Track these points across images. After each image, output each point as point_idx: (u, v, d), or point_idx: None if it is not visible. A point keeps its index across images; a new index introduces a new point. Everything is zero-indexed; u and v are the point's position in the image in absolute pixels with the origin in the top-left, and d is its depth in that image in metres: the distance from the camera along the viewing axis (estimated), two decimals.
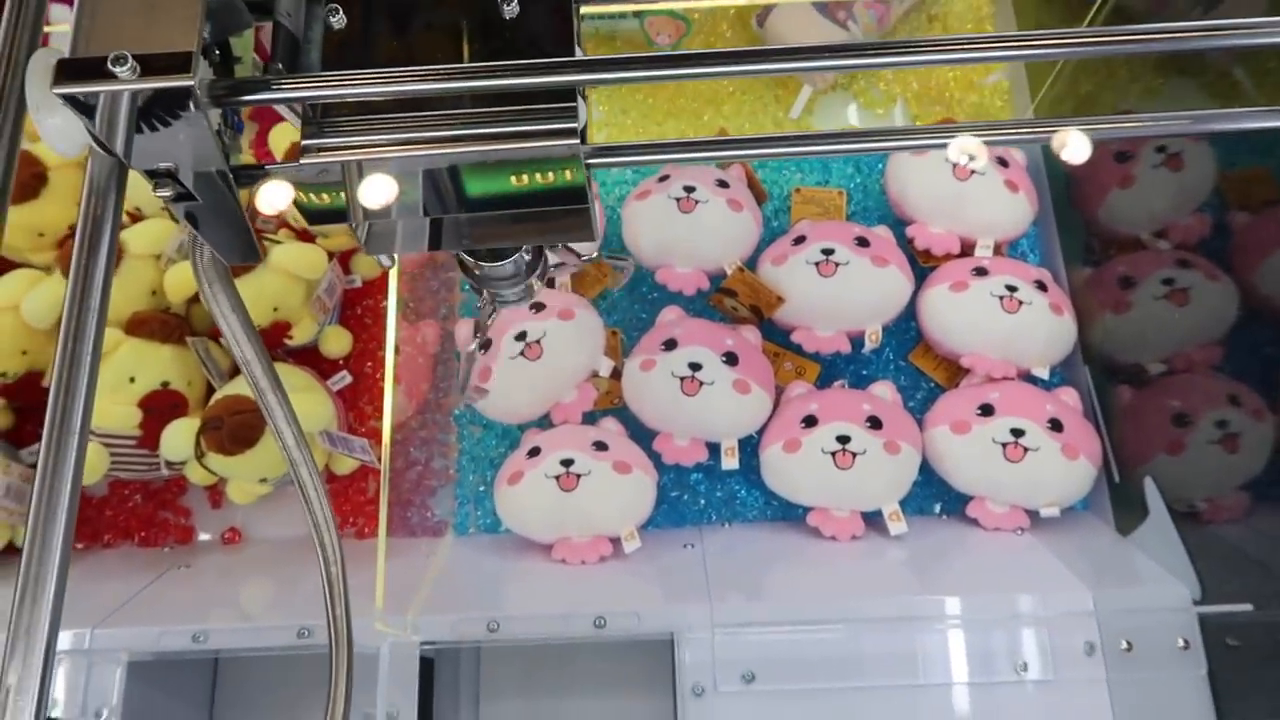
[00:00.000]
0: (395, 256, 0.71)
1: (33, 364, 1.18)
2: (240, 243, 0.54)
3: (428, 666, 1.02)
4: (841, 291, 1.14)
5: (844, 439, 1.07)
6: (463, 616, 0.97)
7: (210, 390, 1.17)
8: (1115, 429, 1.12)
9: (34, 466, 1.16)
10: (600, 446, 1.10)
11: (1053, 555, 1.03)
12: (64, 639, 0.97)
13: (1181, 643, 0.90)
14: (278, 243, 1.16)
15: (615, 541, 1.10)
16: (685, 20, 1.41)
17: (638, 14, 1.38)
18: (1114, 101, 1.25)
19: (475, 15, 0.50)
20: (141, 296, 1.16)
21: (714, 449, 1.15)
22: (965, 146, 0.53)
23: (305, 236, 1.23)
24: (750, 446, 1.16)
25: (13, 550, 1.19)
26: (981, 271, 1.16)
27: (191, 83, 0.38)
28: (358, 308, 1.29)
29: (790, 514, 1.16)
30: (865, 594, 0.97)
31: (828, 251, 1.15)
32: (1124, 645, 0.91)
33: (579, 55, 0.51)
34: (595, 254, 0.84)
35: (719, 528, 1.16)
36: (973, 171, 1.18)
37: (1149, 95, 1.22)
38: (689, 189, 1.18)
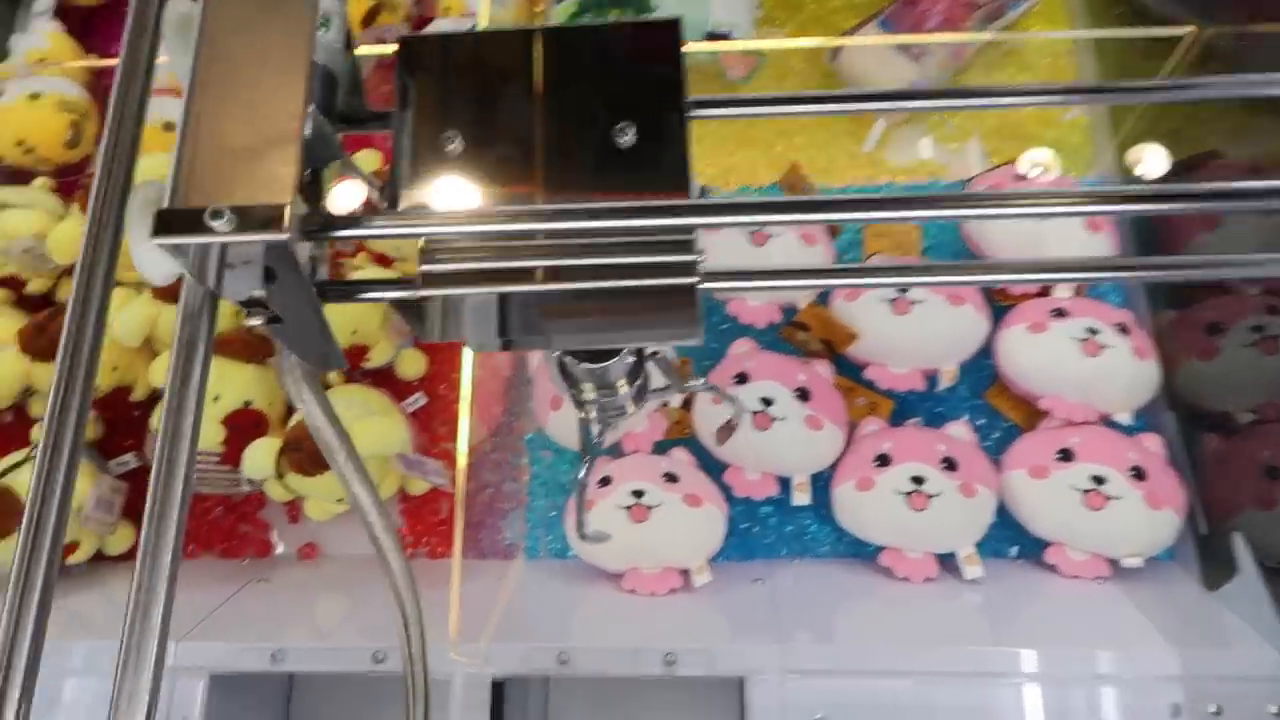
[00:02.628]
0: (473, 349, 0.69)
1: (122, 379, 1.23)
2: (325, 352, 0.55)
3: (497, 690, 1.03)
4: (916, 329, 1.13)
5: (919, 479, 1.06)
6: (534, 646, 0.97)
7: (291, 410, 1.19)
8: (1202, 479, 1.10)
9: (121, 478, 1.20)
10: (671, 478, 1.11)
11: (1135, 609, 1.00)
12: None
13: (1274, 710, 0.88)
14: (358, 269, 1.18)
15: (684, 573, 1.10)
16: (759, 54, 1.42)
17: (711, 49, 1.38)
18: (1199, 136, 1.22)
19: (590, 146, 0.50)
20: (226, 314, 1.20)
21: (785, 483, 1.15)
22: (1036, 158, 0.52)
23: (383, 261, 1.26)
24: (822, 482, 1.15)
25: (101, 558, 1.23)
26: (1061, 313, 1.14)
27: (286, 237, 0.39)
28: None
29: (862, 551, 1.15)
30: (938, 643, 0.95)
31: (903, 289, 1.14)
32: (1212, 709, 0.88)
33: (695, 188, 0.50)
34: (702, 387, 0.81)
35: (788, 562, 1.16)
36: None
37: (1237, 134, 1.19)
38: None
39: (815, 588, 1.10)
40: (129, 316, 1.17)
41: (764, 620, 1.00)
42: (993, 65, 1.42)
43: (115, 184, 0.53)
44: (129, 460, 1.25)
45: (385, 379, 1.27)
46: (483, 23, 1.23)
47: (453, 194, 0.49)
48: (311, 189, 0.47)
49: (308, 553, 1.24)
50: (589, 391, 0.65)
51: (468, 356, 1.15)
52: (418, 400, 1.26)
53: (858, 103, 0.56)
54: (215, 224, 0.39)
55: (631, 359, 0.62)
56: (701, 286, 0.48)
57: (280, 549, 1.27)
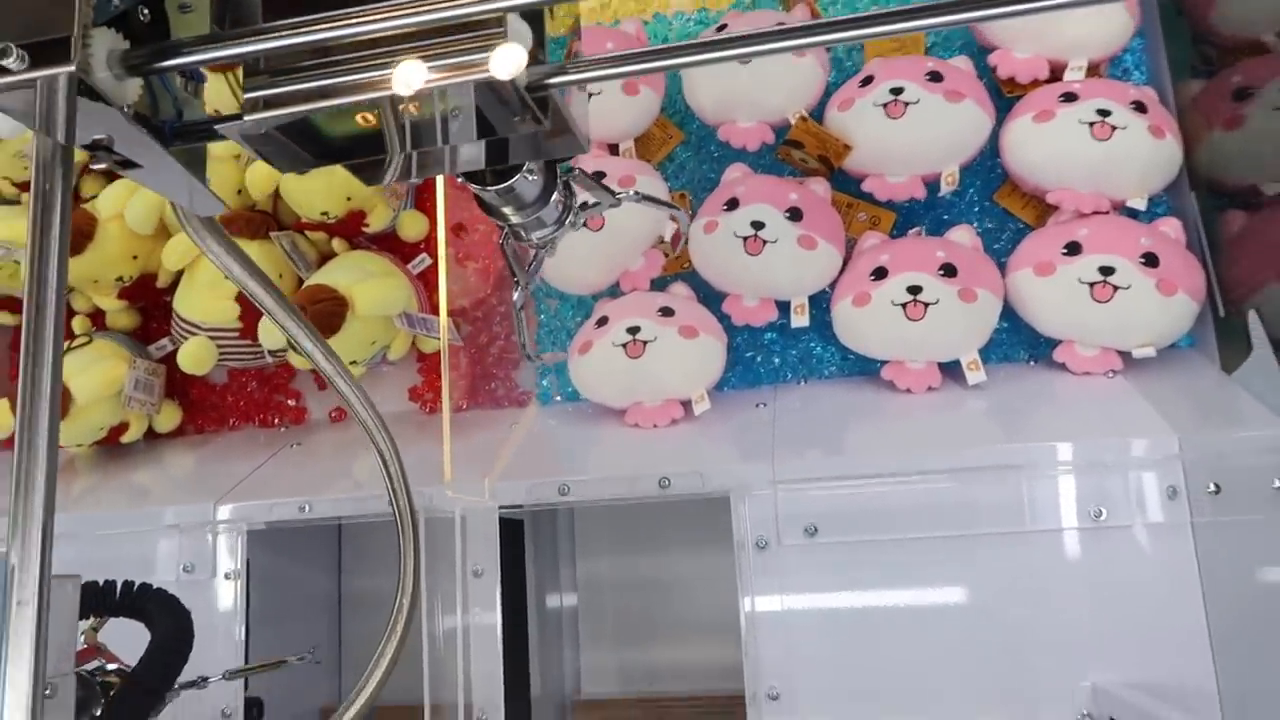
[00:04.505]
0: (386, 184, 0.69)
1: (144, 266, 1.28)
2: (196, 196, 0.54)
3: (515, 528, 1.09)
4: (911, 133, 1.08)
5: (915, 289, 1.03)
6: (536, 482, 1.01)
7: (300, 281, 1.23)
8: (1223, 259, 1.03)
9: (161, 360, 1.26)
10: (666, 312, 1.10)
11: (1142, 398, 0.97)
12: (190, 513, 1.08)
13: (1277, 484, 0.85)
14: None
15: (686, 404, 1.11)
16: None
17: None
18: None
19: None
20: (228, 196, 1.22)
21: (784, 307, 1.13)
22: None
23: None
24: (824, 302, 1.13)
25: (154, 436, 1.32)
26: (1070, 97, 1.06)
27: (71, 68, 0.39)
28: (433, 192, 1.32)
29: (869, 368, 1.13)
30: (929, 447, 0.95)
31: (896, 91, 1.08)
32: (1211, 488, 0.86)
33: None
34: (633, 199, 0.78)
35: (794, 386, 1.16)
36: None
37: None
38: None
39: (817, 408, 1.10)
40: (137, 204, 1.21)
41: (761, 441, 1.01)
42: None
43: None
44: (165, 344, 1.32)
45: (389, 242, 1.29)
46: None
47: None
48: (154, 26, 0.47)
49: (337, 416, 1.30)
50: (511, 215, 0.65)
51: (441, 213, 1.16)
52: (422, 261, 1.28)
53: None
54: (6, 62, 0.39)
55: (536, 177, 0.61)
56: (546, 83, 0.47)
57: (314, 415, 1.33)
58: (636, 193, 0.76)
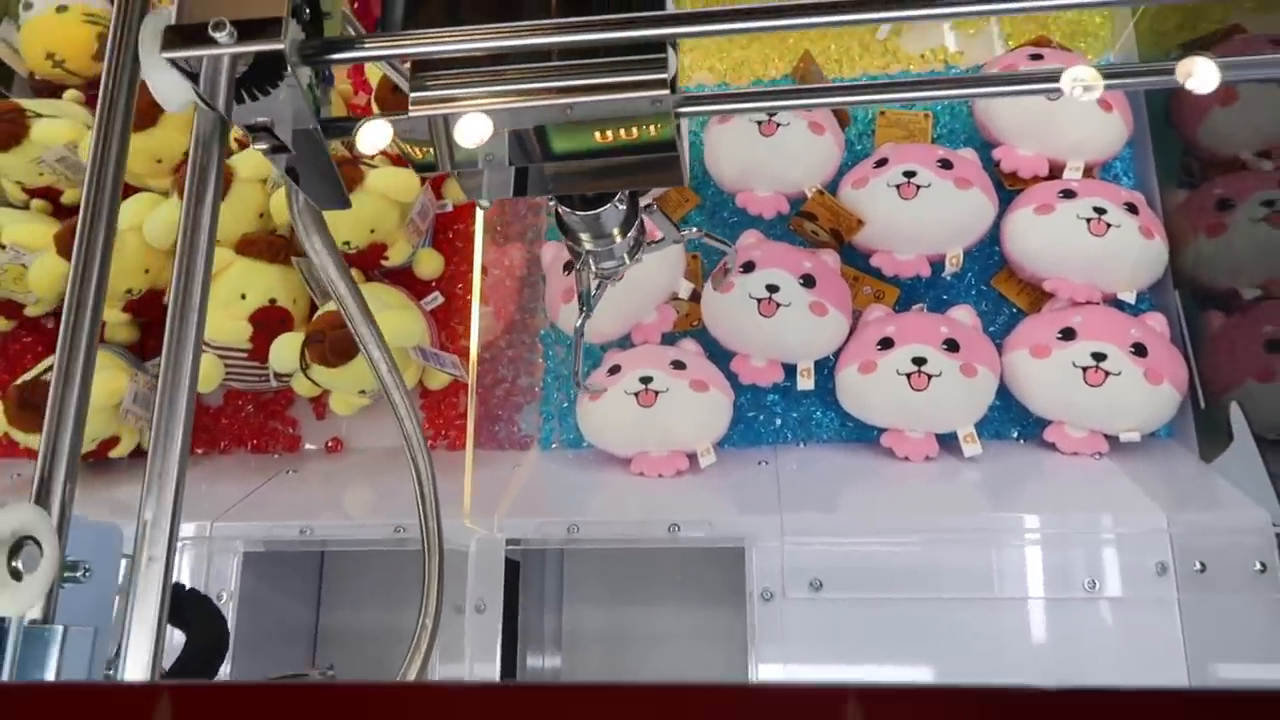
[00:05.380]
0: (488, 199, 0.73)
1: (154, 282, 1.28)
2: (331, 190, 0.58)
3: (513, 569, 1.09)
4: (922, 214, 1.14)
5: (920, 360, 1.08)
6: (545, 520, 1.02)
7: (314, 307, 1.24)
8: (1203, 355, 1.10)
9: (158, 376, 1.26)
10: (678, 365, 1.14)
11: (1128, 479, 1.02)
12: (187, 529, 1.07)
13: (1259, 565, 0.90)
14: (374, 167, 1.21)
15: (692, 457, 1.14)
16: None
17: None
18: (1224, 14, 1.19)
19: None
20: (250, 219, 1.24)
21: (790, 370, 1.17)
22: (1079, 76, 0.50)
23: (399, 162, 1.29)
24: (827, 368, 1.17)
25: (141, 453, 1.30)
26: (1069, 194, 1.14)
27: (283, 46, 0.42)
28: (449, 232, 1.35)
29: (865, 436, 1.17)
30: (933, 510, 0.98)
31: (909, 174, 1.15)
32: (1197, 566, 0.91)
33: (670, 7, 0.52)
34: (695, 235, 0.83)
35: (794, 447, 1.19)
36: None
37: (1264, 8, 1.16)
38: (770, 113, 1.19)
39: (818, 469, 1.13)
40: (156, 219, 1.21)
41: (766, 495, 1.04)
42: None
43: (122, 80, 0.55)
44: None
45: (404, 278, 1.31)
46: None
47: (440, 22, 0.51)
48: (312, 24, 0.50)
49: (334, 447, 1.30)
50: (587, 241, 0.68)
51: (479, 255, 1.18)
52: (435, 299, 1.30)
53: (868, 10, 0.54)
54: (218, 35, 0.42)
55: (623, 207, 0.65)
56: (678, 110, 0.51)
57: (309, 445, 1.32)
58: (696, 228, 0.80)
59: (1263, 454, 1.01)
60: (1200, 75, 0.50)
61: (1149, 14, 1.29)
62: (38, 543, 0.37)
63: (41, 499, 0.40)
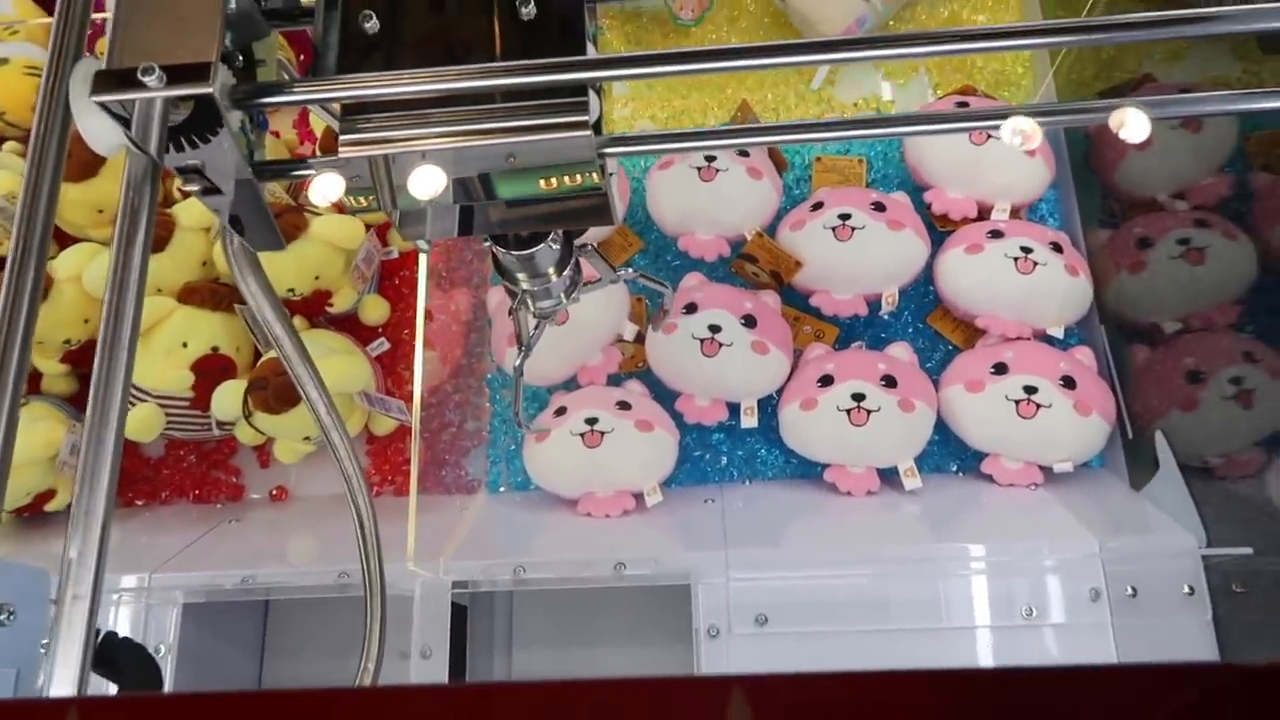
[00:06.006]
0: (428, 241, 0.73)
1: (93, 332, 1.26)
2: (266, 232, 0.59)
3: (460, 614, 1.08)
4: (858, 255, 1.17)
5: (859, 396, 1.11)
6: (491, 562, 1.02)
7: (258, 355, 1.23)
8: (1130, 387, 1.14)
9: None
10: (624, 406, 1.15)
11: (1063, 508, 1.05)
12: (125, 581, 1.04)
13: (1187, 589, 0.92)
14: (317, 214, 1.22)
15: (639, 497, 1.14)
16: None
17: None
18: (1136, 65, 1.26)
19: (495, 18, 0.54)
20: (193, 267, 1.23)
21: (734, 409, 1.19)
22: (1019, 127, 0.53)
23: (343, 210, 1.29)
24: (770, 407, 1.19)
25: None
26: (997, 234, 1.18)
27: (211, 89, 0.43)
28: (395, 278, 1.35)
29: (809, 472, 1.19)
30: (876, 542, 1.00)
31: (844, 216, 1.18)
32: (1129, 591, 0.93)
33: (591, 53, 0.54)
34: (632, 276, 0.86)
35: (740, 485, 1.20)
36: (989, 136, 1.20)
37: (1173, 58, 1.22)
38: (710, 158, 1.22)
39: (763, 505, 1.14)
40: (95, 270, 1.20)
41: (711, 532, 1.05)
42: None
43: (54, 125, 0.56)
44: None
45: (350, 325, 1.31)
46: None
47: (372, 66, 0.53)
48: (245, 70, 0.51)
49: (278, 495, 1.29)
50: (524, 281, 0.70)
51: (421, 300, 1.19)
52: (381, 345, 1.31)
53: (794, 54, 0.56)
54: (146, 79, 0.43)
55: (557, 247, 0.66)
56: (602, 151, 0.53)
57: (253, 494, 1.31)
58: (632, 269, 0.82)
59: (1187, 481, 1.05)
60: (1131, 125, 0.52)
61: (1067, 64, 1.35)
62: None
63: None
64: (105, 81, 0.44)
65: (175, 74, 0.43)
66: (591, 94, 0.51)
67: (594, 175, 0.53)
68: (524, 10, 0.53)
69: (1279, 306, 1.13)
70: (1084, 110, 0.55)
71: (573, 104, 0.51)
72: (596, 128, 0.52)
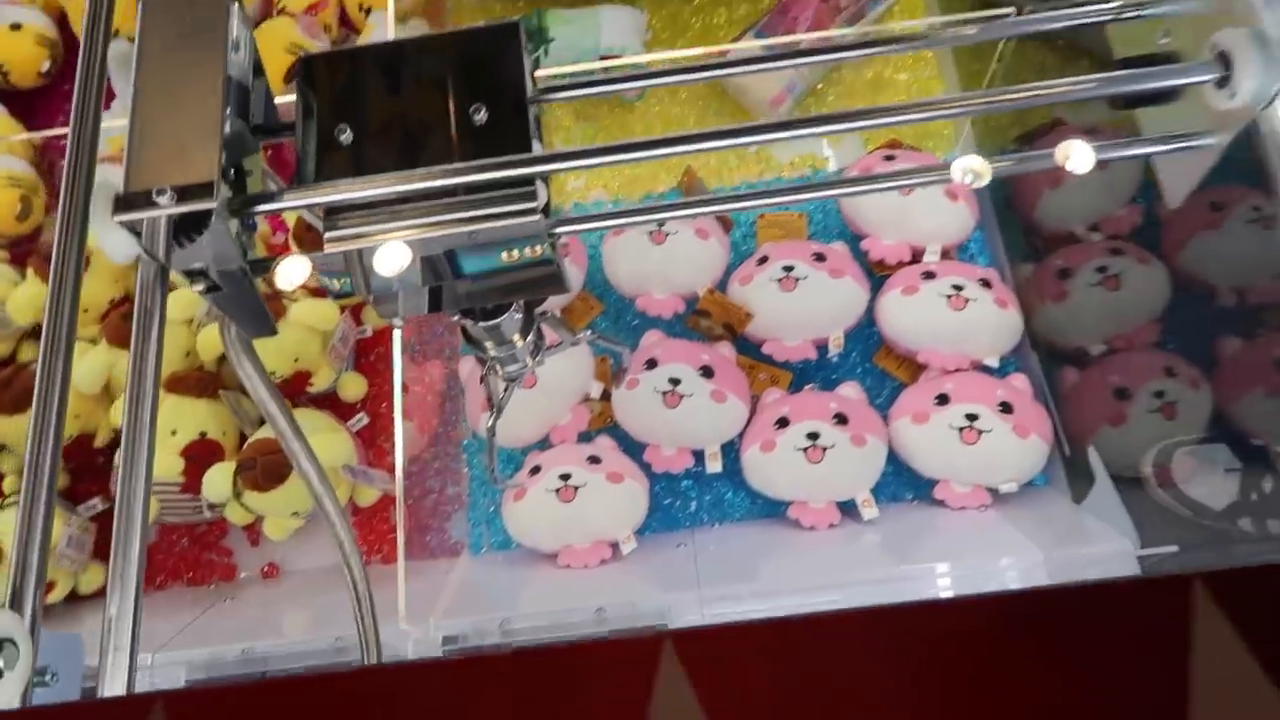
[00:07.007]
0: (401, 318, 0.81)
1: (84, 427, 1.32)
2: (259, 321, 0.66)
3: None
4: (803, 304, 1.26)
5: (814, 435, 1.18)
6: (479, 618, 1.08)
7: (243, 437, 1.29)
8: (1063, 407, 1.23)
9: (93, 519, 1.29)
10: (594, 460, 1.22)
11: (1011, 525, 1.13)
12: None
13: None
14: (295, 300, 1.29)
15: (614, 546, 1.21)
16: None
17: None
18: (1048, 112, 1.37)
19: (452, 125, 0.62)
20: (178, 358, 1.30)
21: (700, 456, 1.26)
22: (968, 165, 0.60)
23: (319, 294, 1.37)
24: (733, 451, 1.27)
25: (75, 598, 1.32)
26: (930, 275, 1.27)
27: (214, 205, 0.51)
28: (371, 355, 1.42)
29: (774, 510, 1.26)
30: (839, 570, 1.07)
31: (788, 268, 1.27)
32: None
33: (538, 149, 0.62)
34: (591, 338, 0.94)
35: (709, 528, 1.27)
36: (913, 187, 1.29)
37: (1080, 105, 1.33)
38: (659, 223, 1.31)
39: (732, 545, 1.21)
40: (87, 366, 1.27)
41: (685, 573, 1.11)
42: (862, 60, 1.56)
43: (73, 240, 0.64)
44: (95, 504, 1.34)
45: (330, 402, 1.38)
46: None
47: (346, 172, 0.61)
48: (237, 183, 0.59)
49: (270, 572, 1.33)
50: (491, 349, 0.77)
51: (398, 374, 1.26)
52: (361, 420, 1.37)
53: (726, 137, 0.64)
54: (160, 199, 0.50)
55: (519, 316, 0.74)
56: (554, 231, 0.61)
57: (244, 573, 1.36)
58: (592, 331, 0.89)
59: (1120, 491, 1.13)
60: (1077, 157, 0.60)
61: (982, 116, 1.46)
62: (15, 644, 0.43)
63: (15, 605, 0.46)
64: (124, 203, 0.51)
65: (183, 193, 0.51)
66: (539, 183, 0.60)
67: (547, 250, 0.61)
68: (477, 117, 0.62)
69: (1193, 323, 1.22)
70: (1025, 159, 0.64)
71: (523, 194, 0.59)
72: (546, 210, 0.60)
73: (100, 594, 1.33)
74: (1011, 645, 0.31)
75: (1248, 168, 0.78)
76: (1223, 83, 0.56)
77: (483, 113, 0.62)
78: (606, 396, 1.31)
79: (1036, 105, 0.64)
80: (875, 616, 0.32)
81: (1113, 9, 0.66)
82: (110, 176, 0.58)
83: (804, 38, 1.49)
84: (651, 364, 1.25)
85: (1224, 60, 0.55)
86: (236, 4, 0.62)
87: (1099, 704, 0.29)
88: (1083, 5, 0.68)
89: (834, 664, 0.31)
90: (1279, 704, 0.26)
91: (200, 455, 1.24)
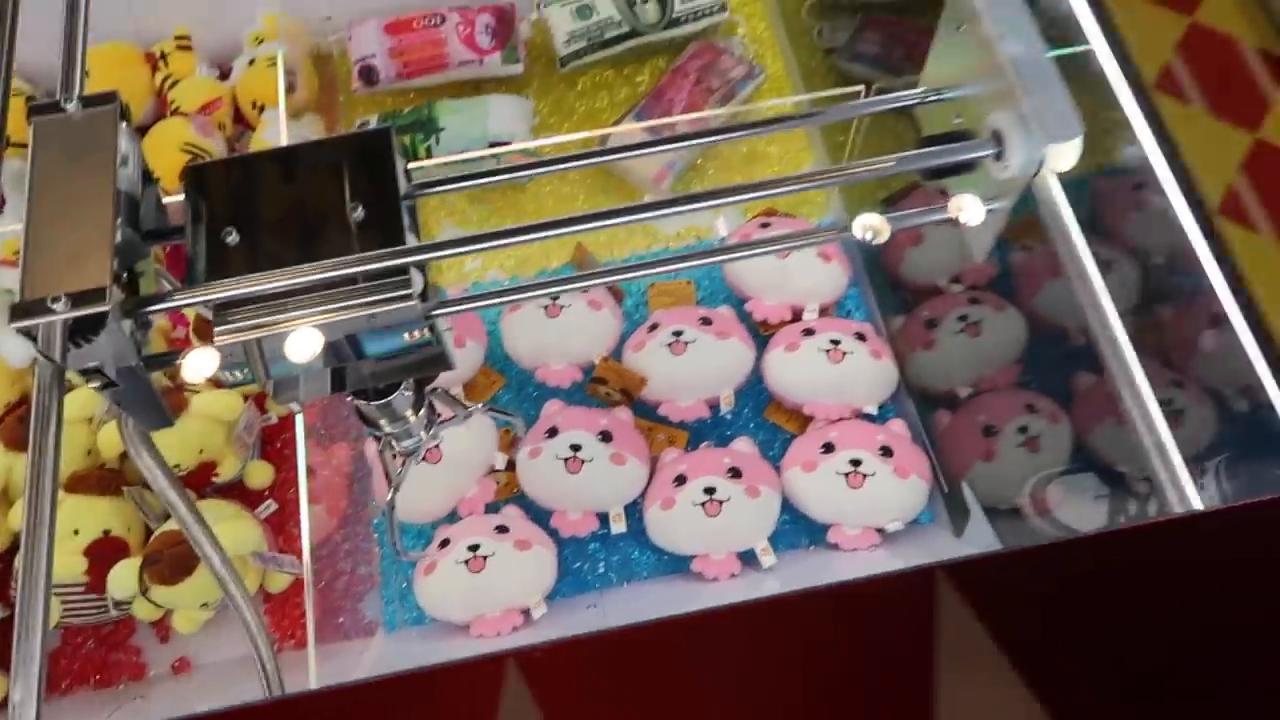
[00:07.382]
0: (302, 402, 0.85)
1: None
2: (155, 414, 0.70)
3: None
4: (693, 366, 1.33)
5: (710, 490, 1.24)
6: None
7: (149, 532, 1.29)
8: (939, 447, 1.31)
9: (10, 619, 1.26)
10: (502, 530, 1.25)
11: (900, 562, 1.20)
12: None
13: None
14: (196, 392, 1.31)
15: (526, 612, 1.24)
16: (534, 154, 1.63)
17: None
18: (906, 177, 1.48)
19: (331, 223, 0.67)
20: (78, 457, 1.30)
21: (604, 518, 1.31)
22: (868, 223, 0.66)
23: (221, 384, 1.39)
24: (636, 512, 1.32)
25: None
26: (810, 332, 1.36)
27: (107, 308, 0.55)
28: (277, 441, 1.44)
29: (680, 566, 1.31)
30: None
31: (678, 333, 1.34)
32: None
33: (411, 241, 0.68)
34: (481, 411, 0.99)
35: (618, 588, 1.31)
36: (789, 252, 1.39)
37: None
38: (554, 296, 1.37)
39: (641, 603, 1.25)
40: None
41: None
42: (744, 115, 1.67)
43: None
44: None
45: (236, 492, 1.38)
46: None
47: (234, 270, 0.65)
48: (129, 285, 0.62)
49: (181, 667, 1.32)
50: (386, 426, 0.81)
51: (301, 458, 1.28)
52: (269, 506, 1.38)
53: (608, 217, 0.71)
54: (55, 305, 0.54)
55: (409, 393, 0.78)
56: (432, 313, 0.66)
57: (154, 670, 1.34)
58: (484, 405, 0.94)
59: (998, 521, 1.21)
60: (968, 210, 0.66)
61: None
62: None
63: None
64: (21, 311, 0.55)
65: (78, 299, 0.55)
66: (414, 271, 0.65)
67: (425, 334, 0.66)
68: (354, 215, 0.67)
69: (1049, 362, 1.33)
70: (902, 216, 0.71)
71: (399, 282, 0.64)
72: (424, 295, 0.66)
73: (2, 705, 1.30)
74: (779, 644, 0.37)
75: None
76: (999, 156, 0.65)
77: (360, 210, 0.67)
78: (511, 466, 1.35)
79: (864, 179, 0.73)
80: (691, 625, 0.37)
81: (918, 94, 0.75)
82: (5, 280, 0.61)
83: (681, 119, 1.59)
84: (553, 432, 1.30)
85: (998, 138, 0.64)
86: (124, 122, 0.66)
87: (862, 675, 0.35)
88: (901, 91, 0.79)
89: (662, 668, 0.36)
90: (1006, 666, 0.32)
91: (104, 553, 1.24)
